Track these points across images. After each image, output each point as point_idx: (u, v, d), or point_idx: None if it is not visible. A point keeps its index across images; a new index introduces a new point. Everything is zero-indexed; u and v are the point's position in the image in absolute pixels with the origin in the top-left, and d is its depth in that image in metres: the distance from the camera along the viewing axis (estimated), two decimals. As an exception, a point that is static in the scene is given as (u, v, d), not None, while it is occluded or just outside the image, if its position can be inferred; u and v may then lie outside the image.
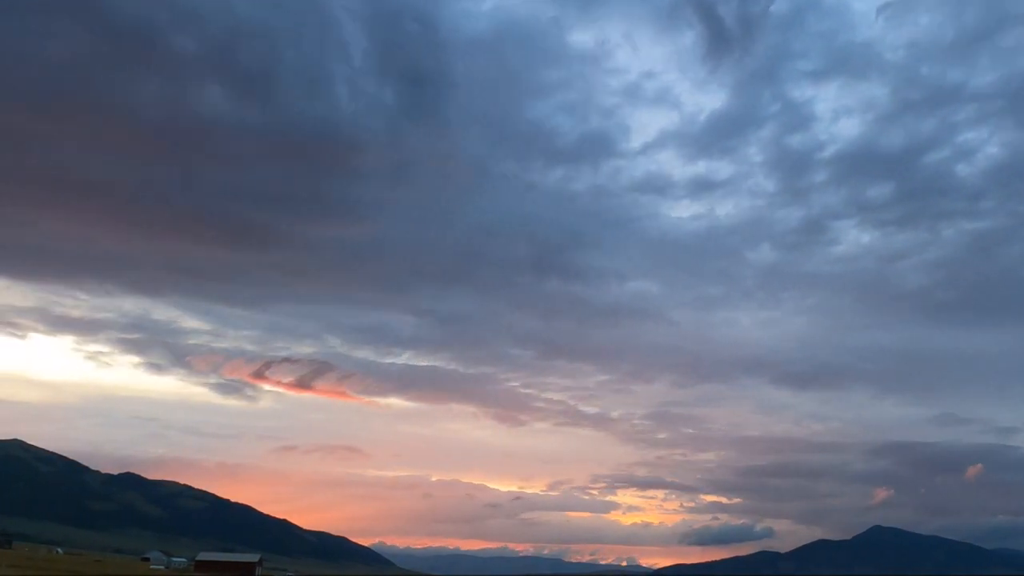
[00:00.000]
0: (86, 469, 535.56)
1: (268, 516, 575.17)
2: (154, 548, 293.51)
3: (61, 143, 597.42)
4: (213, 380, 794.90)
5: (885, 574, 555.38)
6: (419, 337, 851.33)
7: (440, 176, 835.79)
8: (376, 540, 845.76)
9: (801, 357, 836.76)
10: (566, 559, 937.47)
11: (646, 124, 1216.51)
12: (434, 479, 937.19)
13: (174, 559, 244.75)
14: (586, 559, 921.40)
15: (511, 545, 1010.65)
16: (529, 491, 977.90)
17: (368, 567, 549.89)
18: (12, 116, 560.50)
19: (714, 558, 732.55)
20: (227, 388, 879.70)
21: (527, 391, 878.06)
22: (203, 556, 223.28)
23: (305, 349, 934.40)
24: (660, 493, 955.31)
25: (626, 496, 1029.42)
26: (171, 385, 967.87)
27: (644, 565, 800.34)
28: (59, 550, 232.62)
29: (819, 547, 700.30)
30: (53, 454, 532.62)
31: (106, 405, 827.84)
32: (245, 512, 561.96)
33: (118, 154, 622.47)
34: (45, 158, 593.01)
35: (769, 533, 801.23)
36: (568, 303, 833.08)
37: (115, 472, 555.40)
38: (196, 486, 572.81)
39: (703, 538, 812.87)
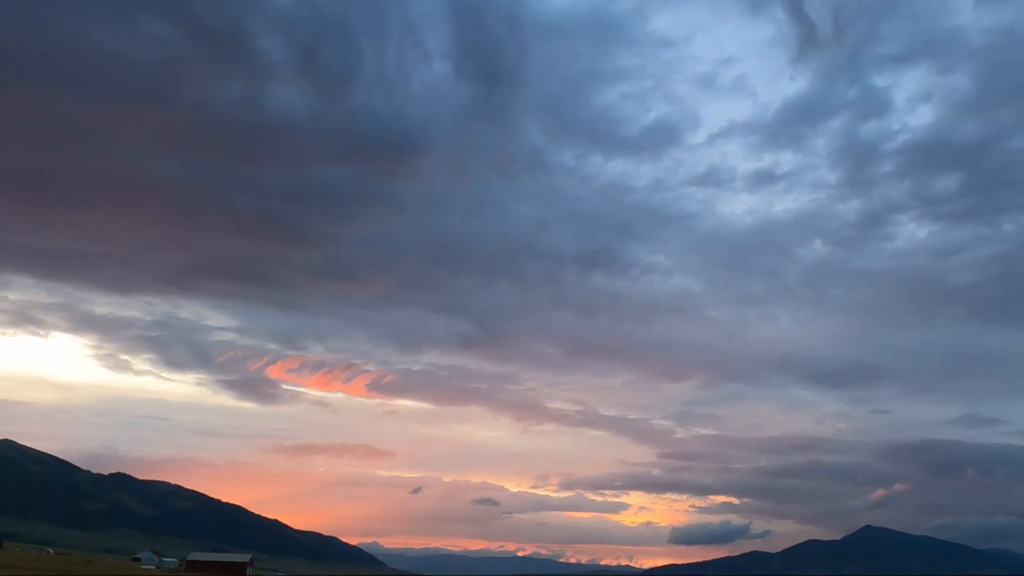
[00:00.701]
0: (77, 469, 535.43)
1: (259, 516, 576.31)
2: (145, 548, 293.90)
3: (134, 144, 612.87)
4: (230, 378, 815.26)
5: (876, 574, 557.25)
6: (448, 335, 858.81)
7: (495, 169, 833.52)
8: (371, 540, 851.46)
9: (835, 356, 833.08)
10: (561, 560, 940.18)
11: (716, 114, 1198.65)
12: (438, 479, 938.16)
13: (165, 559, 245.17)
14: (583, 560, 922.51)
15: (507, 546, 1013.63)
16: (530, 491, 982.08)
17: (358, 567, 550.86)
18: (89, 115, 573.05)
19: (706, 558, 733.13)
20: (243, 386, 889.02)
21: (548, 390, 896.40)
22: (194, 556, 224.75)
23: (323, 347, 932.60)
24: (659, 494, 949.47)
25: (627, 497, 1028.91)
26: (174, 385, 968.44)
27: (635, 566, 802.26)
28: (50, 550, 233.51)
29: (810, 547, 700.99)
30: (44, 454, 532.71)
31: (102, 405, 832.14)
32: (236, 512, 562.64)
33: (185, 155, 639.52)
34: (112, 158, 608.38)
35: (761, 533, 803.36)
36: (607, 299, 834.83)
37: (106, 472, 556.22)
38: (187, 486, 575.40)
39: (696, 538, 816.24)
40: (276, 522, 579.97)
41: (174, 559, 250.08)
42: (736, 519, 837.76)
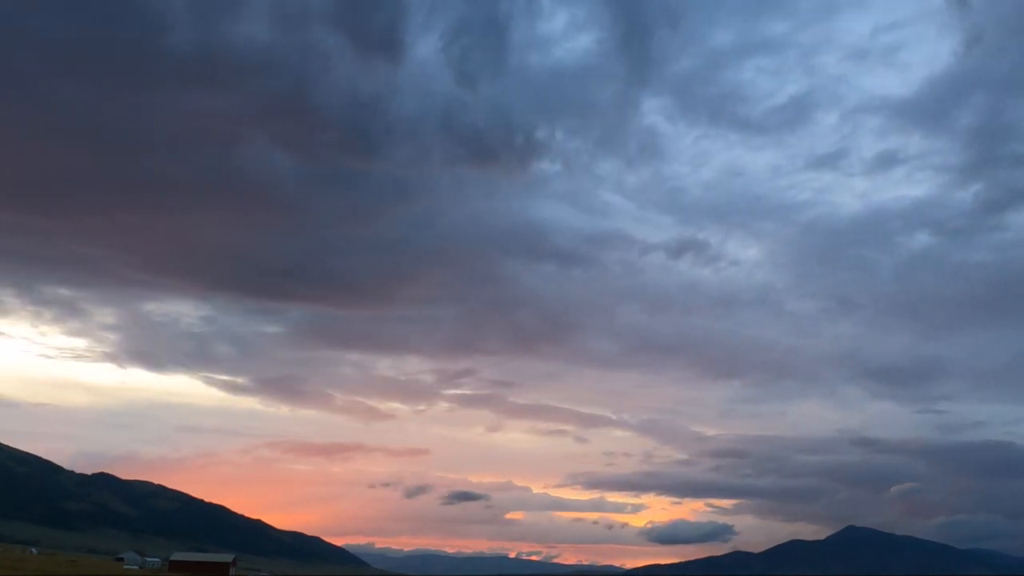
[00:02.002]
0: (60, 469, 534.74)
1: (242, 516, 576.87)
2: (128, 548, 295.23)
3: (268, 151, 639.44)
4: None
5: (858, 574, 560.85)
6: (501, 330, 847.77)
7: (608, 151, 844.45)
8: (357, 540, 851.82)
9: (901, 353, 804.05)
10: (554, 560, 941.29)
11: (854, 89, 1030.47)
12: (426, 478, 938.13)
13: (148, 559, 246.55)
14: (571, 560, 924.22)
15: (493, 545, 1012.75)
16: (518, 492, 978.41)
17: (342, 567, 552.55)
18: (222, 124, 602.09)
19: (688, 558, 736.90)
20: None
21: (577, 391, 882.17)
22: (177, 556, 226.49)
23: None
24: (648, 495, 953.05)
25: (613, 497, 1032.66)
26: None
27: (617, 565, 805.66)
28: (33, 550, 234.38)
29: (793, 547, 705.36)
30: (27, 454, 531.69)
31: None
32: (219, 512, 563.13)
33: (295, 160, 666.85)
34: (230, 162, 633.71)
35: (744, 533, 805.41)
36: (684, 291, 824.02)
37: (89, 472, 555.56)
38: (170, 486, 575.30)
39: (677, 537, 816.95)
40: (259, 522, 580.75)
41: (157, 559, 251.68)
42: (719, 518, 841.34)
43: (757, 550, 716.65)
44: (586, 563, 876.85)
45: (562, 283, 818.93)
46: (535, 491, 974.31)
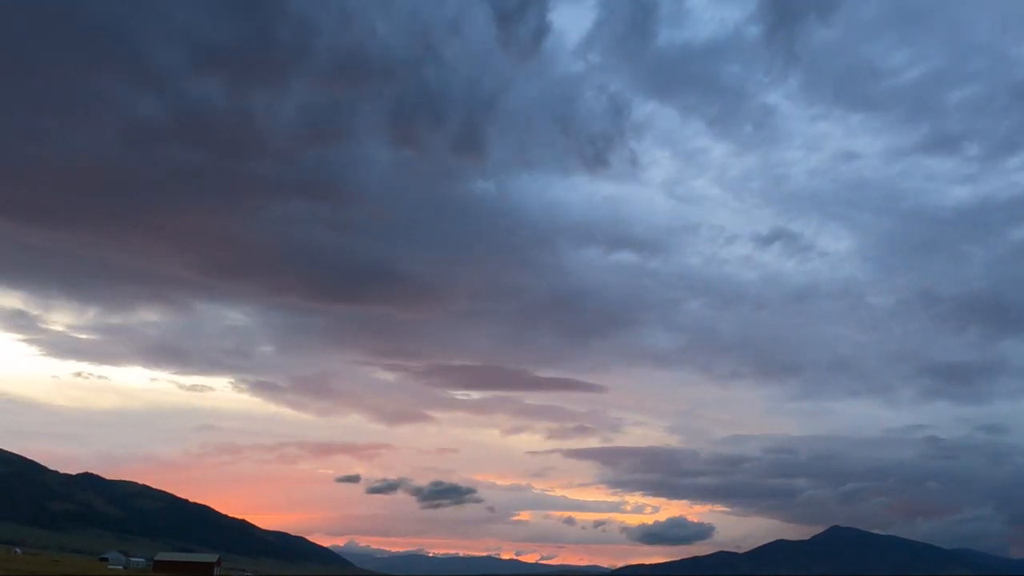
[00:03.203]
0: (44, 469, 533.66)
1: (226, 516, 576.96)
2: (113, 548, 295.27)
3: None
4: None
5: (843, 574, 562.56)
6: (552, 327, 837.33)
7: (716, 130, 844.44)
8: (346, 540, 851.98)
9: (965, 350, 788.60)
10: (542, 561, 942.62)
11: (994, 68, 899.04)
12: (410, 478, 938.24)
13: (132, 559, 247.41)
14: (548, 560, 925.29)
15: (479, 544, 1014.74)
16: (506, 491, 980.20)
17: (327, 567, 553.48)
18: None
19: (673, 558, 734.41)
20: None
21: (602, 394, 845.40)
22: (161, 556, 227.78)
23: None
24: (634, 495, 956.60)
25: (596, 494, 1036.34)
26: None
27: (603, 565, 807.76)
28: (17, 550, 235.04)
29: (777, 547, 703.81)
30: (11, 454, 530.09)
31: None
32: (204, 512, 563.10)
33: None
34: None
35: (728, 532, 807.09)
36: (762, 284, 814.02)
37: (74, 472, 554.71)
38: (155, 486, 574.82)
39: (660, 538, 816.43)
40: (244, 522, 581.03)
41: (142, 559, 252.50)
42: (704, 519, 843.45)
43: (741, 550, 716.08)
44: (569, 563, 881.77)
45: (635, 275, 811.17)
46: (524, 492, 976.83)
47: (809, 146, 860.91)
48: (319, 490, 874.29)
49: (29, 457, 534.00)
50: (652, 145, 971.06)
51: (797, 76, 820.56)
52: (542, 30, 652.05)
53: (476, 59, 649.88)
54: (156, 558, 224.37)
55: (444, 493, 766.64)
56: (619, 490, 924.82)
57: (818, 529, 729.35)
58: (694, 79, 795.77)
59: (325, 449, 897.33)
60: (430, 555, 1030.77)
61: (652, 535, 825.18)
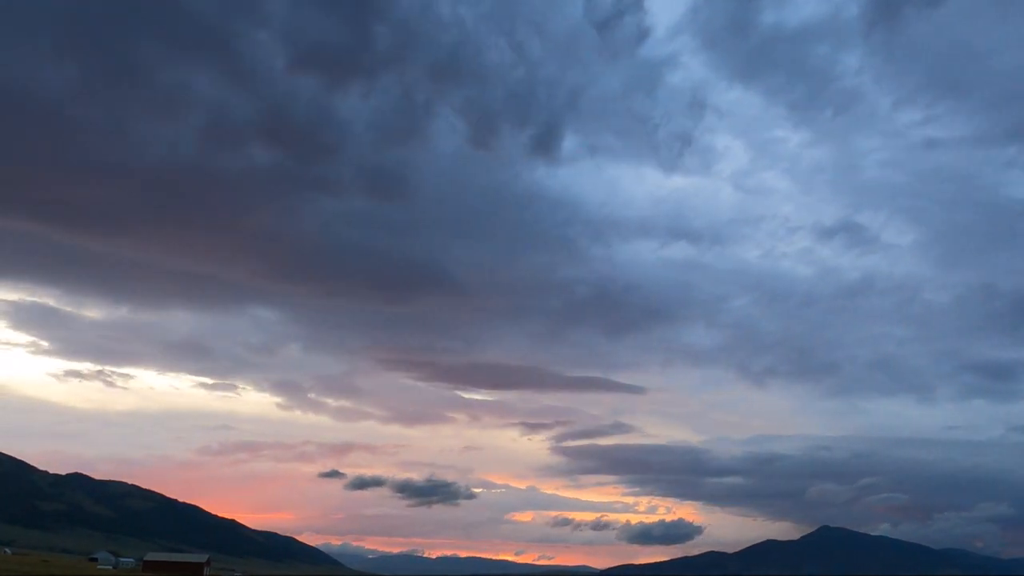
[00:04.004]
0: (34, 469, 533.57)
1: (216, 516, 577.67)
2: (102, 548, 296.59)
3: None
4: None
5: (833, 574, 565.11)
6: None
7: (797, 117, 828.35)
8: (338, 540, 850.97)
9: (1013, 347, 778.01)
10: (515, 559, 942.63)
11: None
12: (397, 478, 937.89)
13: (122, 559, 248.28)
14: (542, 561, 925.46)
15: (468, 544, 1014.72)
16: (493, 492, 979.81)
17: (316, 567, 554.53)
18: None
19: (663, 558, 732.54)
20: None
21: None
22: (151, 556, 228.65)
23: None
24: (619, 491, 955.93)
25: (581, 493, 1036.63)
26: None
27: (592, 566, 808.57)
28: (7, 550, 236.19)
29: (767, 547, 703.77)
30: (1, 454, 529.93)
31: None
32: (193, 512, 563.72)
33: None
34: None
35: (717, 532, 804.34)
36: (815, 279, 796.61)
37: (63, 472, 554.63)
38: (144, 486, 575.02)
39: (652, 538, 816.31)
40: (233, 522, 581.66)
41: (131, 559, 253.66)
42: (694, 518, 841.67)
43: (731, 550, 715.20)
44: (558, 563, 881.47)
45: (685, 270, 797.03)
46: (511, 492, 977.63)
47: (887, 133, 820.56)
48: (309, 489, 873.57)
49: (18, 457, 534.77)
50: (727, 135, 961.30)
51: (887, 58, 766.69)
52: (635, 22, 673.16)
53: (562, 54, 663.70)
54: (145, 558, 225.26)
55: (434, 491, 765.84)
56: (623, 490, 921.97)
57: (808, 529, 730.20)
58: (782, 62, 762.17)
59: (333, 450, 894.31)
60: (425, 555, 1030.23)
61: (645, 535, 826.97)
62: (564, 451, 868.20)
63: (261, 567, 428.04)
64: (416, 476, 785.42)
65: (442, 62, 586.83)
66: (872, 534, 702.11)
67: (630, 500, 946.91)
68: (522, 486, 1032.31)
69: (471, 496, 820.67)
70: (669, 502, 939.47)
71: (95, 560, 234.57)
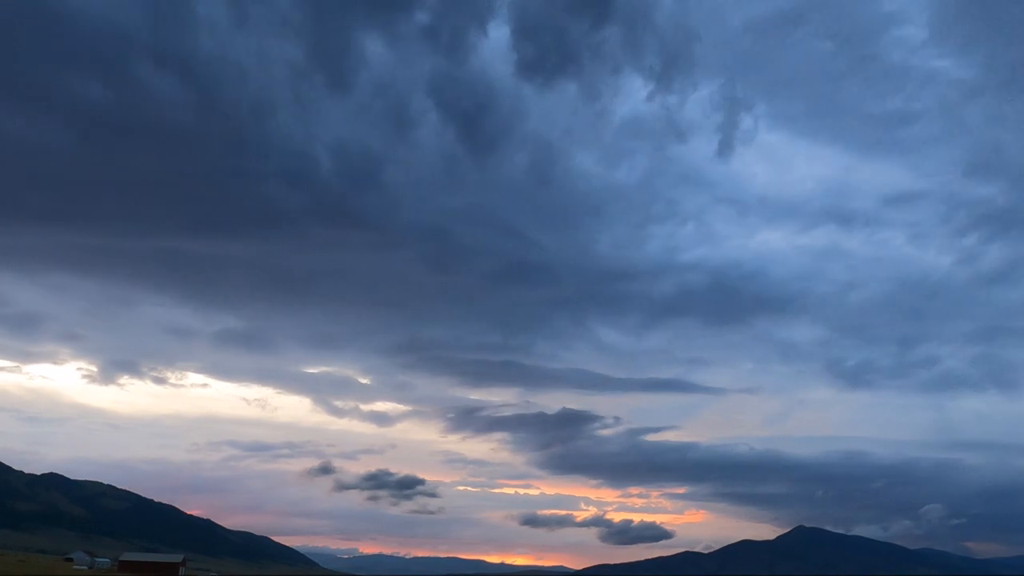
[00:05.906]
0: (9, 469, 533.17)
1: (191, 516, 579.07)
2: (78, 548, 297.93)
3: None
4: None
5: (808, 574, 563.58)
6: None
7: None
8: (312, 541, 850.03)
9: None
10: (492, 559, 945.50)
11: None
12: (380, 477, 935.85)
13: (97, 559, 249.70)
14: (518, 561, 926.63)
15: (444, 544, 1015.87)
16: (463, 491, 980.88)
17: (292, 567, 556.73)
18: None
19: (637, 558, 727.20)
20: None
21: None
22: (127, 556, 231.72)
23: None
24: (594, 489, 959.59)
25: (553, 488, 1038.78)
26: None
27: (567, 566, 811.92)
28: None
29: (743, 547, 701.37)
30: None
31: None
32: (169, 512, 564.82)
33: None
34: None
35: (693, 532, 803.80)
36: (949, 267, 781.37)
37: (39, 472, 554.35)
38: (119, 486, 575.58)
39: (626, 538, 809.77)
40: (209, 522, 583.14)
41: (107, 559, 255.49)
42: (670, 519, 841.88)
43: (707, 550, 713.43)
44: (537, 563, 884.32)
45: (821, 256, 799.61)
46: (492, 491, 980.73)
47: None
48: (287, 490, 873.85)
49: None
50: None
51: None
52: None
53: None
54: (121, 558, 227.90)
55: (410, 490, 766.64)
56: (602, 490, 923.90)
57: (784, 529, 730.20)
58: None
59: (304, 449, 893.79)
60: (402, 555, 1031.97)
61: (620, 534, 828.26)
62: (541, 450, 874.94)
63: (237, 567, 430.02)
64: (392, 475, 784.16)
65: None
66: (847, 534, 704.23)
67: (609, 499, 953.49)
68: (498, 486, 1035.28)
69: (447, 496, 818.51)
70: (648, 501, 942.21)
71: (71, 560, 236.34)
